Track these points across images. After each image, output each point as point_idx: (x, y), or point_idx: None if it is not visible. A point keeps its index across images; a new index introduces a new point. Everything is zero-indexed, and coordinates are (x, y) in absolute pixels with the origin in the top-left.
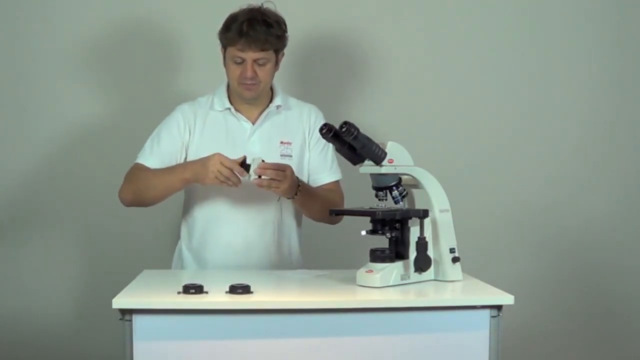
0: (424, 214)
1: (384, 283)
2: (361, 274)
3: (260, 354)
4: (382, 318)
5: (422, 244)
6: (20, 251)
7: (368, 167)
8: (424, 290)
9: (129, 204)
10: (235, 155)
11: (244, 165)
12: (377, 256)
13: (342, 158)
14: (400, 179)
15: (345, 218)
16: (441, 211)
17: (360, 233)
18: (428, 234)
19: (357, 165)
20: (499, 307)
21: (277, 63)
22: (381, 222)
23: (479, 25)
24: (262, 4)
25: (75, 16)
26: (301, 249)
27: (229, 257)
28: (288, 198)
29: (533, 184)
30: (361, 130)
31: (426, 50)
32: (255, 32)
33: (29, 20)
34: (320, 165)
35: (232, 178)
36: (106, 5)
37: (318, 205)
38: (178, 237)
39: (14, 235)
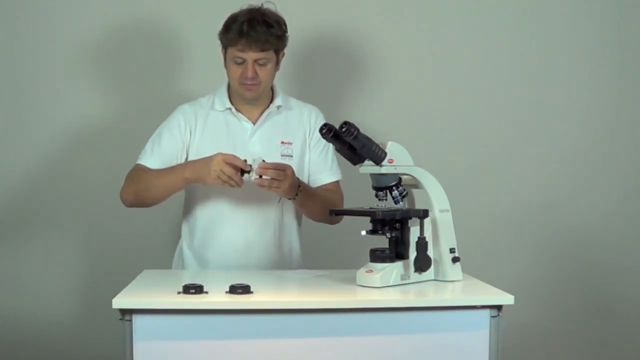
0: (424, 214)
1: (384, 283)
2: (361, 274)
3: (260, 354)
4: (382, 318)
5: (422, 244)
6: (20, 251)
7: (368, 167)
8: (424, 290)
9: (131, 204)
10: (237, 154)
11: (245, 164)
12: (377, 256)
13: (342, 158)
14: (400, 179)
15: (345, 218)
16: (441, 211)
17: (360, 233)
18: (428, 234)
19: (357, 165)
20: (499, 307)
21: (277, 63)
22: (381, 222)
23: (479, 26)
24: (262, 4)
25: (75, 16)
26: (301, 249)
27: (230, 257)
28: (289, 198)
29: (533, 183)
30: (361, 130)
31: (426, 50)
32: (256, 32)
33: (29, 21)
34: (321, 166)
35: (235, 177)
36: (106, 5)
37: (318, 206)
38: (178, 237)
39: (14, 235)
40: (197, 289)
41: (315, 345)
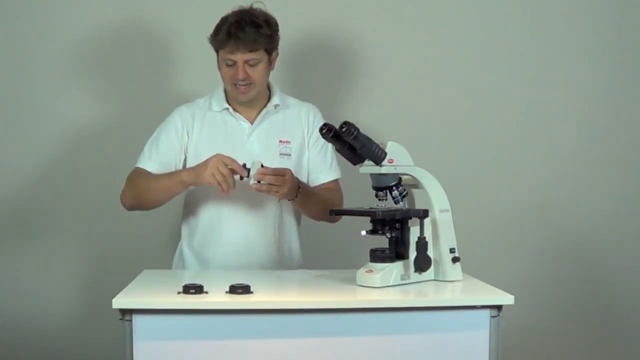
0: (424, 214)
1: (384, 283)
2: (361, 274)
3: (260, 354)
4: (382, 318)
5: (422, 244)
6: (20, 251)
7: (368, 167)
8: (424, 290)
9: (131, 207)
10: (235, 155)
11: (244, 168)
12: (377, 256)
13: (342, 158)
14: (400, 179)
15: (345, 218)
16: (441, 211)
17: (360, 233)
18: (428, 234)
19: (357, 165)
20: (499, 307)
21: (270, 63)
22: (381, 222)
23: (479, 25)
24: (251, 5)
25: (72, 17)
26: (301, 248)
27: (230, 257)
28: (289, 200)
29: (533, 183)
30: (361, 130)
31: (426, 50)
32: (244, 33)
33: (27, 22)
34: (320, 165)
35: (228, 179)
36: (104, 6)
37: (318, 206)
38: (178, 238)
39: (14, 235)
40: (197, 289)
41: (315, 345)
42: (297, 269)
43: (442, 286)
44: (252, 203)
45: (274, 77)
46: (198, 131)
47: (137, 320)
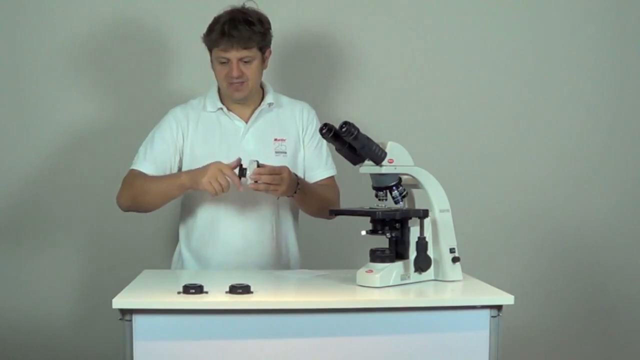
0: (424, 214)
1: (384, 283)
2: (361, 274)
3: (260, 354)
4: (382, 318)
5: (422, 244)
6: (20, 252)
7: (368, 167)
8: (424, 290)
9: (127, 209)
10: (231, 154)
11: (241, 168)
12: (377, 256)
13: (342, 158)
14: (400, 179)
15: (345, 218)
16: (441, 211)
17: (360, 233)
18: (428, 234)
19: (357, 165)
20: (499, 307)
21: (264, 61)
22: (381, 222)
23: (479, 25)
24: (243, 4)
25: (69, 18)
26: (299, 245)
27: (228, 255)
28: (288, 196)
29: (533, 183)
30: (361, 130)
31: (426, 50)
32: (237, 31)
33: (22, 21)
34: (315, 161)
35: (225, 189)
36: (101, 6)
37: (315, 202)
38: (178, 238)
39: (14, 235)
40: (197, 289)
41: (315, 345)
42: (297, 268)
43: (442, 286)
44: (249, 201)
45: (266, 76)
46: (193, 132)
47: (137, 320)
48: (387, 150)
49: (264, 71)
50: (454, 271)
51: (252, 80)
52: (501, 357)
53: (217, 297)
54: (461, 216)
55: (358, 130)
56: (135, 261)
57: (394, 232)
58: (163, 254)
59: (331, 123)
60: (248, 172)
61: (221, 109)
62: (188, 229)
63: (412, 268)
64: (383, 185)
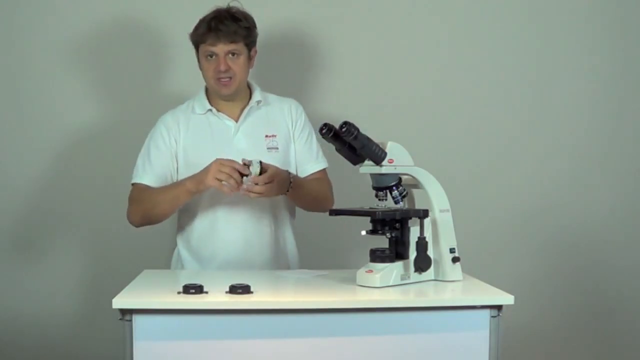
0: (424, 214)
1: (384, 283)
2: (361, 274)
3: (260, 354)
4: (382, 318)
5: (422, 244)
6: (20, 252)
7: (368, 167)
8: (424, 290)
9: (139, 224)
10: (223, 154)
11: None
12: (377, 256)
13: (342, 158)
14: (400, 179)
15: (345, 218)
16: (441, 211)
17: (360, 233)
18: (428, 234)
19: (357, 165)
20: (499, 307)
21: (250, 59)
22: (381, 222)
23: (481, 26)
24: (228, 4)
25: (65, 18)
26: (296, 241)
27: (228, 255)
28: (281, 194)
29: (533, 183)
30: (361, 130)
31: (426, 50)
32: (224, 25)
33: (19, 21)
34: (306, 156)
35: (233, 175)
36: (99, 6)
37: (308, 197)
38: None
39: (14, 235)
40: (197, 289)
41: (315, 345)
42: (295, 267)
43: (442, 286)
44: (247, 201)
45: (253, 76)
46: (184, 136)
47: (137, 320)
48: (387, 150)
49: (250, 71)
50: (454, 271)
51: (239, 76)
52: (501, 357)
53: (217, 297)
54: (461, 216)
55: (358, 130)
56: (135, 261)
57: (394, 232)
58: (163, 254)
59: (331, 123)
60: (253, 171)
61: (210, 110)
62: (187, 230)
63: (412, 268)
64: (383, 185)
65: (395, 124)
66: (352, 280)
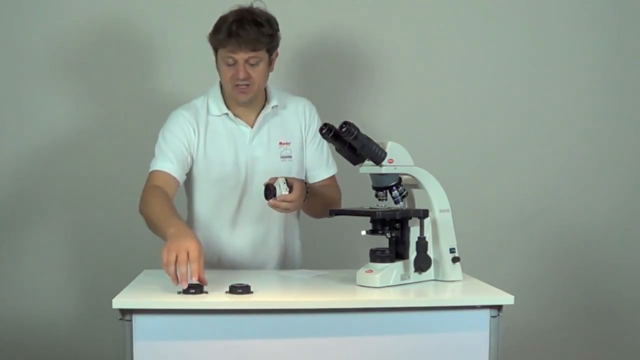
0: (424, 214)
1: (384, 283)
2: (361, 274)
3: (260, 354)
4: (382, 318)
5: (422, 244)
6: (20, 251)
7: (368, 167)
8: (424, 290)
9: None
10: (239, 160)
11: (267, 189)
12: (377, 256)
13: (342, 158)
14: (400, 179)
15: (345, 218)
16: (441, 211)
17: (360, 233)
18: (428, 234)
19: (357, 165)
20: (499, 307)
21: (270, 64)
22: (381, 222)
23: (480, 26)
24: (251, 3)
25: (57, 17)
26: (302, 244)
27: (236, 259)
28: None
29: (533, 184)
30: (361, 130)
31: (427, 50)
32: (245, 31)
33: (11, 21)
34: (317, 161)
35: (171, 276)
36: (93, 7)
37: (320, 204)
38: None
39: (14, 235)
40: (197, 289)
41: (315, 345)
42: (298, 269)
43: (442, 286)
44: (258, 208)
45: (275, 78)
46: (203, 136)
47: (137, 320)
48: (387, 150)
49: (271, 73)
50: (454, 271)
51: (258, 83)
52: (501, 357)
53: (217, 297)
54: (461, 216)
55: (358, 130)
56: (135, 261)
57: (394, 232)
58: None
59: (331, 123)
60: (278, 193)
61: (227, 114)
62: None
63: (412, 268)
64: (383, 185)
65: (395, 124)
66: (352, 280)
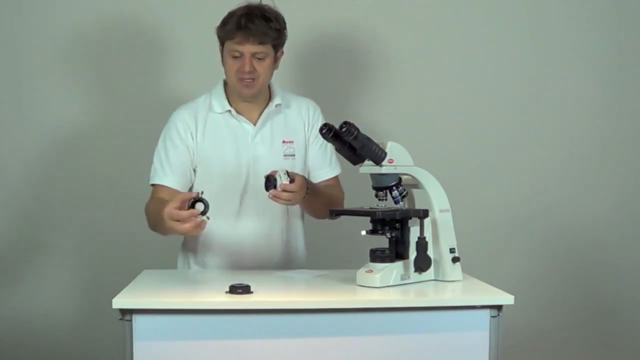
0: (424, 214)
1: (384, 283)
2: (361, 274)
3: (260, 354)
4: (382, 318)
5: (422, 244)
6: (20, 252)
7: (368, 167)
8: (424, 290)
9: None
10: (240, 157)
11: (267, 180)
12: (377, 256)
13: (342, 158)
14: (400, 179)
15: (345, 218)
16: (441, 211)
17: (360, 233)
18: (428, 234)
19: (357, 165)
20: (499, 307)
21: (276, 60)
22: (381, 222)
23: (480, 26)
24: (260, 1)
25: (65, 15)
26: (305, 243)
27: (238, 257)
28: None
29: (533, 184)
30: (361, 130)
31: (427, 50)
32: (254, 24)
33: (19, 18)
34: (321, 161)
35: (187, 217)
36: (99, 5)
37: (322, 204)
38: (178, 237)
39: (14, 235)
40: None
41: (315, 345)
42: (298, 269)
43: (442, 286)
44: (260, 207)
45: (276, 78)
46: (202, 134)
47: (137, 320)
48: (387, 150)
49: (275, 71)
50: (454, 271)
51: (263, 79)
52: (501, 357)
53: (217, 297)
54: (461, 216)
55: (358, 130)
56: (135, 261)
57: (394, 232)
58: (163, 254)
59: (331, 123)
60: (278, 183)
61: (229, 111)
62: (196, 237)
63: (412, 268)
64: (383, 185)
65: (395, 124)
66: (352, 280)
